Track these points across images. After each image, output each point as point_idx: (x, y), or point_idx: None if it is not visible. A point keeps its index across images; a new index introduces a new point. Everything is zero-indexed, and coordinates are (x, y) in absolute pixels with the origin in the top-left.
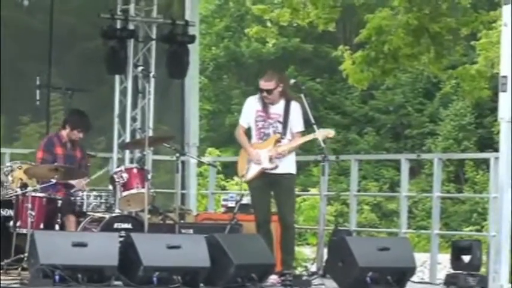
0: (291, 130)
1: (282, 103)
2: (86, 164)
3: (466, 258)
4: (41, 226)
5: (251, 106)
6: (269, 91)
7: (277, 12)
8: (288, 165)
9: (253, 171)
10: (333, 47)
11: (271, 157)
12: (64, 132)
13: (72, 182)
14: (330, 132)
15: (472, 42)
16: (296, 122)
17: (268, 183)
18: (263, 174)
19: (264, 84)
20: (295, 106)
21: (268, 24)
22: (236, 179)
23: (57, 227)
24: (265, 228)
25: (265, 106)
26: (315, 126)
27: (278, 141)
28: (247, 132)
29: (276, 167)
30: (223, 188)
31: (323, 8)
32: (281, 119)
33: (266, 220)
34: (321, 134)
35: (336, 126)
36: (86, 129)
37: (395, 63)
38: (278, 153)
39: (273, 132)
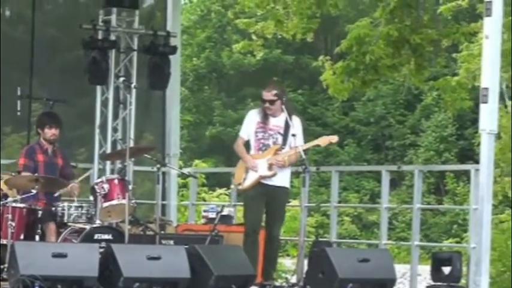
0: (290, 144)
1: (283, 116)
2: (70, 172)
3: (446, 270)
4: (21, 237)
5: (252, 119)
6: (271, 101)
7: (261, 24)
8: (284, 179)
9: (250, 179)
10: (314, 58)
11: (270, 164)
12: (42, 139)
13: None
14: (333, 138)
15: (454, 54)
16: (298, 136)
17: (264, 195)
18: (260, 185)
19: (266, 94)
20: (296, 120)
21: (254, 37)
22: (219, 190)
23: (37, 237)
24: (253, 237)
25: (266, 118)
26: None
27: (278, 150)
28: (246, 145)
29: (274, 174)
30: (205, 200)
31: (301, 18)
32: (281, 131)
33: (255, 230)
34: (325, 140)
35: (316, 138)
36: (56, 122)
37: (376, 74)
38: (278, 160)
39: (273, 144)
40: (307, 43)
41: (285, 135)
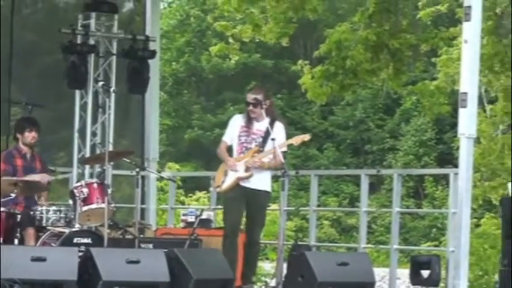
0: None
1: (266, 121)
2: (46, 177)
3: (425, 273)
4: (0, 241)
5: (236, 123)
6: (255, 104)
7: (239, 28)
8: (264, 182)
9: (228, 181)
10: (293, 62)
11: (247, 166)
12: (21, 144)
13: (36, 178)
14: (305, 137)
15: (433, 59)
16: (279, 141)
17: (243, 197)
18: (240, 187)
19: (250, 97)
20: (279, 125)
21: (231, 40)
22: (199, 194)
23: (16, 241)
24: (232, 239)
25: (250, 122)
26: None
27: (256, 152)
28: (229, 150)
29: (251, 175)
30: (183, 203)
31: (277, 23)
32: (263, 135)
33: (234, 232)
34: (298, 139)
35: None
36: (33, 125)
37: (355, 78)
38: (254, 161)
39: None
40: (286, 48)
41: (264, 139)
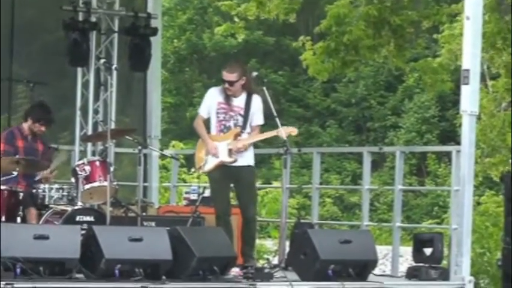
0: (250, 123)
1: (243, 96)
2: (48, 157)
3: (428, 251)
4: (2, 219)
5: (213, 97)
6: (231, 83)
7: (243, 7)
8: (246, 158)
9: (211, 163)
10: (295, 39)
11: (230, 150)
12: (25, 125)
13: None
14: (293, 130)
15: (434, 35)
16: (256, 115)
17: (228, 176)
18: (223, 167)
19: (226, 75)
20: (256, 99)
21: (236, 19)
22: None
23: (18, 219)
24: (224, 220)
25: (227, 98)
26: (277, 120)
27: (238, 134)
28: (206, 123)
29: (235, 161)
30: (185, 181)
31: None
32: (242, 112)
33: (225, 212)
34: (284, 131)
35: (298, 119)
36: (49, 122)
37: (356, 55)
38: (238, 148)
39: (234, 125)
40: (288, 24)
41: (245, 117)
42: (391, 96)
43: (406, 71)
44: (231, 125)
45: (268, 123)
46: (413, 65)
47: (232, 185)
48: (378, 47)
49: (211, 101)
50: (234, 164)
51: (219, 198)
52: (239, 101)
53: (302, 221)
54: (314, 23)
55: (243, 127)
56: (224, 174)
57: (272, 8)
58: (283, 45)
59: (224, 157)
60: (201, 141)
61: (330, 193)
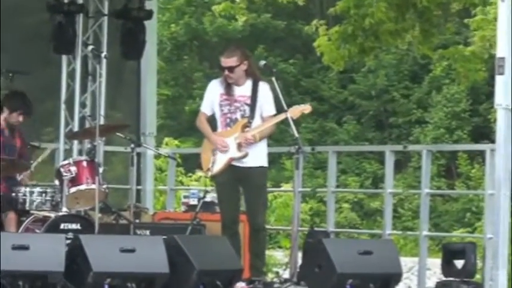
0: (261, 114)
1: (248, 84)
2: (27, 155)
3: (459, 263)
4: None
5: (214, 90)
6: (231, 68)
7: None
8: (258, 157)
9: (220, 163)
10: (308, 24)
11: (239, 144)
12: (2, 117)
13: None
14: (306, 108)
15: (465, 20)
16: (266, 105)
17: (237, 178)
18: (231, 168)
19: (224, 60)
20: (264, 87)
21: None
22: (199, 173)
23: None
24: (232, 229)
25: (229, 88)
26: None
27: (246, 125)
28: (211, 121)
29: (246, 155)
30: (183, 184)
31: None
32: (249, 101)
33: (234, 220)
34: (295, 111)
35: (311, 114)
36: (27, 111)
37: (377, 41)
38: (247, 138)
39: (241, 117)
40: (300, 7)
41: (252, 106)
42: (417, 87)
43: (434, 59)
44: (237, 117)
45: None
46: (441, 53)
47: (240, 188)
48: (402, 32)
49: (213, 95)
50: (242, 165)
51: (226, 205)
52: (244, 90)
53: (316, 229)
54: (329, 3)
55: (251, 117)
56: (232, 176)
57: None
58: (295, 29)
59: (233, 153)
60: (206, 141)
61: (348, 197)
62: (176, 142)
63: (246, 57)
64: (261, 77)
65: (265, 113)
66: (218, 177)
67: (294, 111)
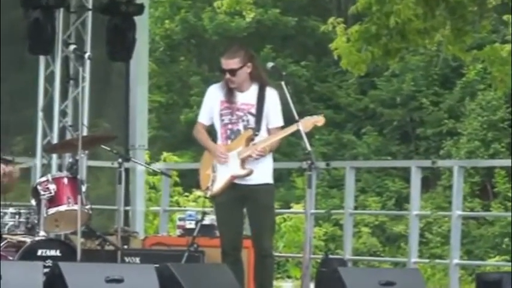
0: (267, 125)
1: (253, 89)
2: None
3: None
4: None
5: (214, 97)
6: (233, 71)
7: None
8: (264, 174)
9: (220, 181)
10: (323, 21)
11: (243, 160)
12: None
13: None
14: (319, 120)
15: (505, 17)
16: (273, 114)
17: (239, 198)
18: (233, 186)
19: (226, 62)
20: (271, 93)
21: None
22: (197, 192)
23: None
24: (233, 257)
25: (231, 94)
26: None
27: (251, 139)
28: (210, 132)
29: (250, 173)
30: (179, 205)
31: None
32: (253, 110)
33: (235, 247)
34: (307, 123)
35: (326, 124)
36: None
37: (403, 41)
38: (254, 152)
39: (244, 128)
40: (314, 1)
41: (258, 116)
42: (448, 94)
43: (467, 62)
44: (240, 129)
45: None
46: (476, 54)
47: (244, 209)
48: (431, 31)
49: (212, 103)
50: (247, 182)
51: (227, 229)
52: (247, 97)
53: (331, 256)
54: (348, 0)
55: (257, 129)
56: (234, 195)
57: None
58: (308, 27)
59: (236, 170)
60: (206, 155)
61: (368, 220)
62: (176, 158)
63: (251, 58)
64: (268, 81)
65: (271, 124)
66: (218, 197)
67: (305, 124)
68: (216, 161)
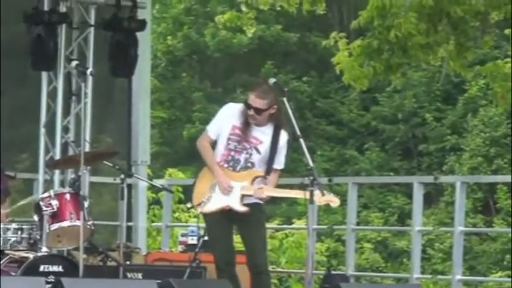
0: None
1: (269, 128)
2: (5, 187)
3: None
4: None
5: (229, 118)
6: (259, 111)
7: None
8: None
9: (215, 203)
10: (325, 36)
11: (243, 196)
12: None
13: None
14: (333, 200)
15: (506, 31)
16: (279, 157)
17: (229, 215)
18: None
19: (255, 100)
20: (283, 136)
21: (244, 8)
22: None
23: None
24: (228, 272)
25: (246, 126)
26: (301, 141)
27: (257, 180)
28: (213, 146)
29: (246, 212)
30: (180, 220)
31: None
32: (260, 147)
33: (229, 262)
34: (321, 199)
35: (328, 140)
36: None
37: (405, 56)
38: (255, 194)
39: (244, 160)
40: (316, 17)
41: (270, 160)
42: (450, 109)
43: (468, 78)
44: (240, 159)
45: (292, 145)
46: (478, 69)
47: (234, 225)
48: (434, 46)
49: (225, 123)
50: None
51: (219, 245)
52: (260, 133)
53: (333, 272)
54: (350, 13)
55: (267, 172)
56: (225, 214)
57: None
58: (310, 43)
59: (234, 203)
60: (206, 171)
61: (370, 236)
62: (181, 174)
63: (277, 101)
64: (284, 124)
65: (274, 165)
66: (208, 215)
67: (319, 197)
68: (220, 188)
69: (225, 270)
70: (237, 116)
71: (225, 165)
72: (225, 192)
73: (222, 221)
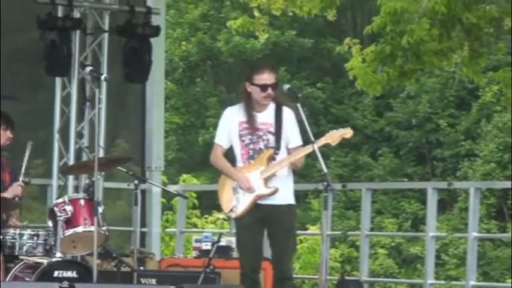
0: (286, 145)
1: (271, 109)
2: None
3: None
4: None
5: (231, 118)
6: (275, 85)
7: None
8: (286, 194)
9: (245, 202)
10: (339, 42)
11: (266, 180)
12: None
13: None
14: (346, 132)
15: None
16: (292, 134)
17: (262, 219)
18: (256, 207)
19: (270, 77)
20: (288, 113)
21: (256, 13)
22: (219, 215)
23: None
24: (252, 279)
25: (251, 115)
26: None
27: (272, 158)
28: (227, 154)
29: (275, 191)
30: (197, 226)
31: None
32: (272, 129)
33: (255, 269)
34: (334, 136)
35: (342, 146)
36: (11, 124)
37: (418, 62)
38: (284, 163)
39: (265, 147)
40: (330, 23)
41: (277, 135)
42: (464, 115)
43: (481, 84)
44: (261, 147)
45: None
46: (491, 75)
47: (265, 230)
48: (447, 52)
49: (230, 124)
50: (269, 202)
51: (248, 251)
52: (265, 116)
53: (347, 278)
54: (364, 19)
55: (277, 147)
56: (256, 218)
57: (305, 1)
58: (323, 49)
59: (260, 189)
60: (224, 177)
61: (384, 242)
62: (195, 180)
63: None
64: (284, 101)
65: (291, 144)
66: (241, 219)
67: (333, 137)
68: (243, 188)
69: (250, 277)
70: (239, 113)
71: (251, 161)
72: (248, 191)
73: (253, 226)
